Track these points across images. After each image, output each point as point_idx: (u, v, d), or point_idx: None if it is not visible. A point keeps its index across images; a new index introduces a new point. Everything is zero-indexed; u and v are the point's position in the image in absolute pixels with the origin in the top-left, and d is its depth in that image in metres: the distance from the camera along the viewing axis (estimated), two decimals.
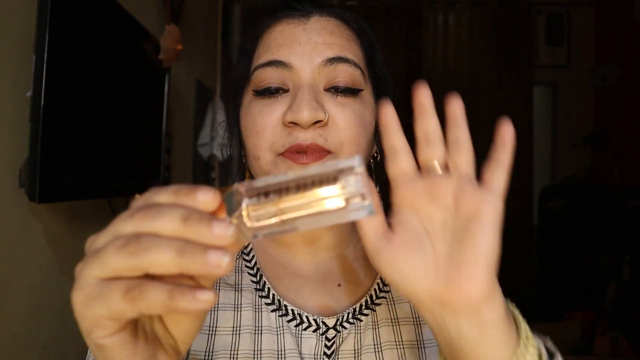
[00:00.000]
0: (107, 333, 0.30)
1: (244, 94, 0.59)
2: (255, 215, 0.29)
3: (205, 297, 0.28)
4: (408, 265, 0.38)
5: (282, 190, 0.29)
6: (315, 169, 0.29)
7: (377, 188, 0.62)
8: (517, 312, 0.41)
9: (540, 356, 0.39)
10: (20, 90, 1.09)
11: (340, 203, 0.29)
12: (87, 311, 0.29)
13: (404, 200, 0.41)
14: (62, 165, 1.12)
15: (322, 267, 0.60)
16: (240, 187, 0.30)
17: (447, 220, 0.39)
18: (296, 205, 0.29)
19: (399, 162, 0.42)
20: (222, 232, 0.28)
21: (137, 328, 0.32)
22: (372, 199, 0.29)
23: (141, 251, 0.27)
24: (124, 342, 0.31)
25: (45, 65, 1.02)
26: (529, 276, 3.48)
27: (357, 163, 0.29)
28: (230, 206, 0.29)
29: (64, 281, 1.30)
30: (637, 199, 2.91)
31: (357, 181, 0.29)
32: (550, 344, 0.42)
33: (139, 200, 0.32)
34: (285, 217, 0.29)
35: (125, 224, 0.29)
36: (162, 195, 0.30)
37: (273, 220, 0.29)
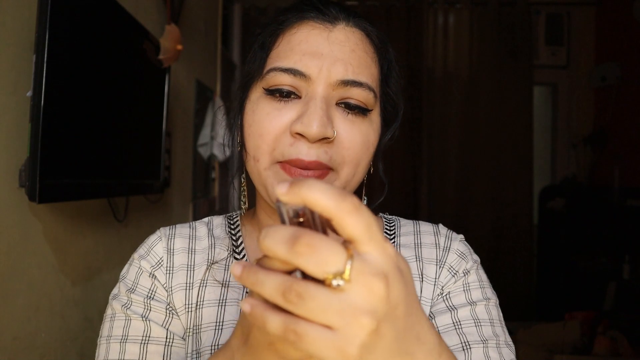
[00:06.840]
0: None
1: (253, 87, 0.58)
2: None
3: None
4: None
5: None
6: None
7: (365, 200, 0.63)
8: None
9: None
10: (20, 90, 1.09)
11: None
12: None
13: None
14: (62, 165, 1.12)
15: None
16: None
17: None
18: None
19: None
20: None
21: None
22: None
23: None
24: None
25: (45, 65, 1.02)
26: (529, 276, 3.48)
27: None
28: None
29: (64, 281, 1.30)
30: (636, 198, 2.92)
31: None
32: None
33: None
34: None
35: None
36: None
37: None
